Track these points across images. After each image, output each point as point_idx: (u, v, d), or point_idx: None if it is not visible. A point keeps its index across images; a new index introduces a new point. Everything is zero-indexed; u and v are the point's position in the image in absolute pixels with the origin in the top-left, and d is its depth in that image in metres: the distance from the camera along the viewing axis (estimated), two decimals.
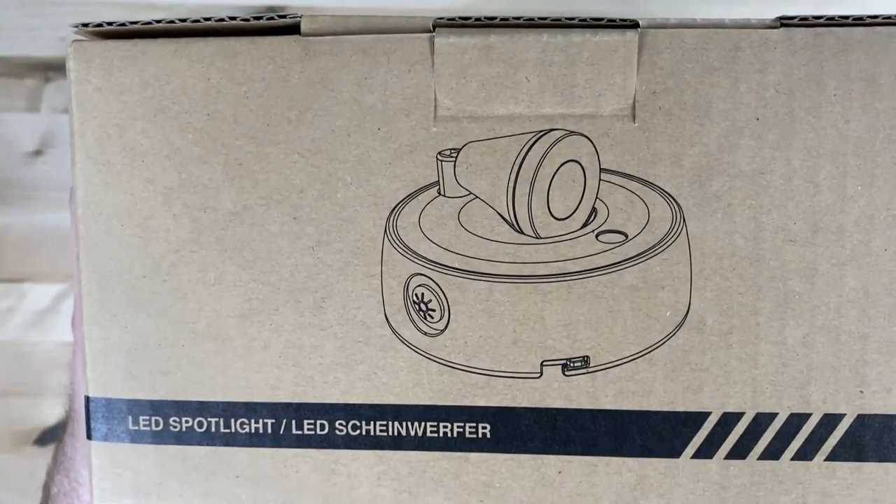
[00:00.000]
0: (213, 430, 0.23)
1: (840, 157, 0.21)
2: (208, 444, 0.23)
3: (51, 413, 0.58)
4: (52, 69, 0.57)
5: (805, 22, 0.21)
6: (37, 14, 0.57)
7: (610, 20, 0.22)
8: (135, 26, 0.22)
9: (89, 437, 0.24)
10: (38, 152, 0.56)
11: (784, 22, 0.21)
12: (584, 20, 0.22)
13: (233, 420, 0.23)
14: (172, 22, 0.22)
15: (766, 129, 0.21)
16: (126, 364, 0.23)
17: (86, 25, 0.22)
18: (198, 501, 0.24)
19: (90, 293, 0.23)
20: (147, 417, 0.23)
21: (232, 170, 0.23)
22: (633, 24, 0.21)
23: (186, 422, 0.23)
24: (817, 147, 0.21)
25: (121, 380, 0.23)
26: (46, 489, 0.36)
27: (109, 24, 0.22)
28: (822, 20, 0.21)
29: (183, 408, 0.23)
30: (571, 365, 0.22)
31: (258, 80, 0.22)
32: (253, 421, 0.23)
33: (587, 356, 0.22)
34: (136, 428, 0.23)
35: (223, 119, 0.22)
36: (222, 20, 0.22)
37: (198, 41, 0.22)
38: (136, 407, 0.23)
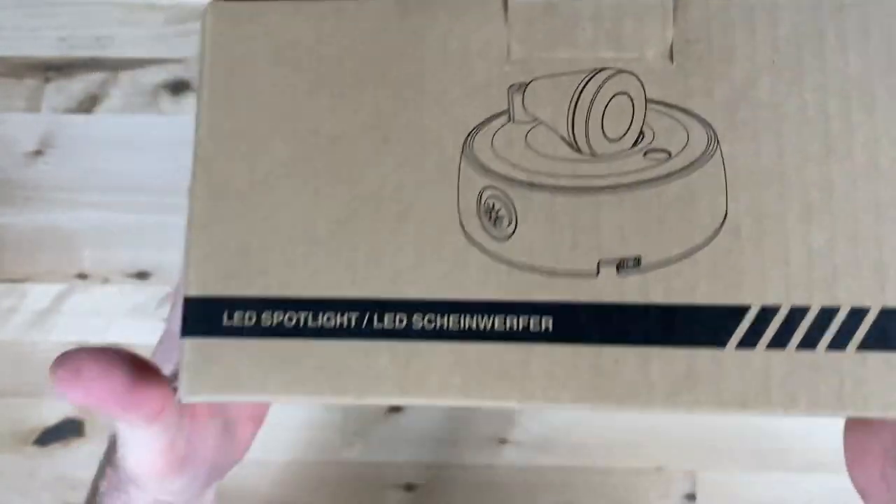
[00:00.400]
0: (301, 323, 0.26)
1: (845, 92, 0.26)
2: (297, 337, 0.26)
3: (51, 413, 0.57)
4: (52, 69, 0.59)
5: None
6: (37, 14, 0.59)
7: None
8: None
9: (183, 334, 0.26)
10: (38, 152, 0.58)
11: None
12: None
13: (321, 314, 0.26)
14: None
15: (780, 71, 0.26)
16: (226, 265, 0.26)
17: None
18: (281, 392, 0.26)
19: (202, 201, 0.27)
20: (241, 312, 0.26)
21: (334, 102, 0.27)
22: None
23: (278, 316, 0.26)
24: (825, 85, 0.26)
25: (221, 279, 0.26)
26: (95, 484, 0.36)
27: None
28: None
29: (276, 303, 0.26)
30: (625, 264, 0.25)
31: (360, 32, 0.27)
32: (339, 315, 0.26)
33: (639, 256, 0.25)
34: (231, 323, 0.26)
35: (330, 62, 0.27)
36: None
37: (312, 2, 0.27)
38: (233, 304, 0.26)
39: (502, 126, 0.26)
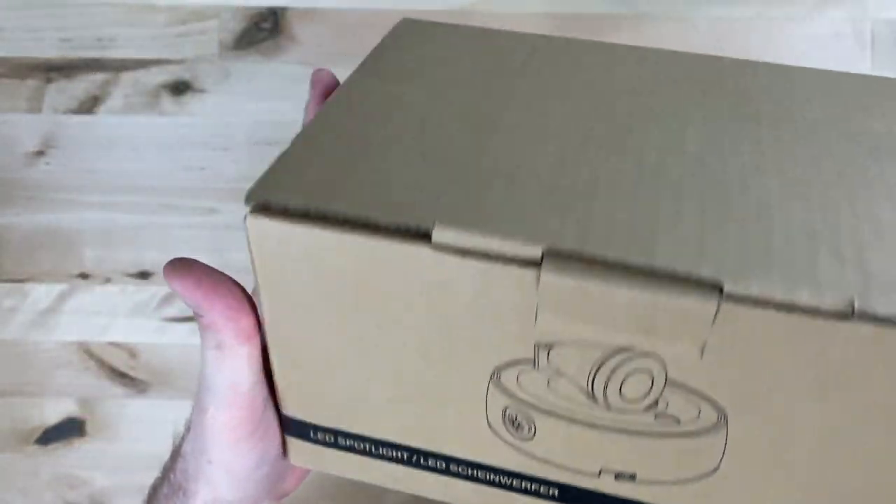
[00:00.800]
0: (365, 449, 0.33)
1: (877, 424, 0.25)
2: (363, 455, 0.34)
3: (52, 413, 0.59)
4: (54, 70, 0.57)
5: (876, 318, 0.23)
6: (38, 15, 0.56)
7: (695, 279, 0.24)
8: (298, 208, 0.27)
9: (284, 432, 0.34)
10: (39, 153, 0.57)
11: (855, 310, 0.24)
12: (671, 273, 0.25)
13: (380, 447, 0.33)
14: (329, 207, 0.27)
15: (819, 401, 0.25)
16: (308, 403, 0.33)
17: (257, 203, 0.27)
18: (359, 478, 0.35)
19: (282, 370, 0.32)
20: (322, 433, 0.34)
21: (367, 351, 0.29)
22: (716, 286, 0.24)
23: (349, 441, 0.33)
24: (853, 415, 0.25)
25: (307, 410, 0.33)
26: (153, 490, 0.38)
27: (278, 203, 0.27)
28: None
29: (345, 434, 0.33)
30: (622, 476, 0.30)
31: (392, 280, 0.27)
32: (393, 450, 0.33)
33: (635, 473, 0.30)
34: (317, 437, 0.34)
35: (364, 308, 0.28)
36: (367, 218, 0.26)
37: (347, 244, 0.27)
38: (316, 427, 0.34)
39: (528, 369, 0.28)
